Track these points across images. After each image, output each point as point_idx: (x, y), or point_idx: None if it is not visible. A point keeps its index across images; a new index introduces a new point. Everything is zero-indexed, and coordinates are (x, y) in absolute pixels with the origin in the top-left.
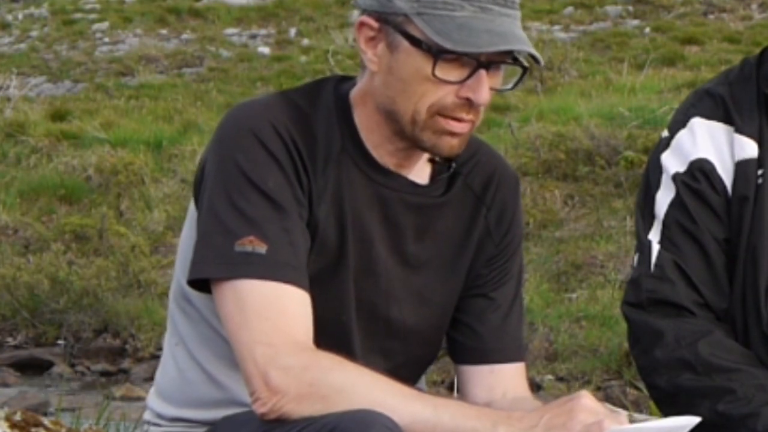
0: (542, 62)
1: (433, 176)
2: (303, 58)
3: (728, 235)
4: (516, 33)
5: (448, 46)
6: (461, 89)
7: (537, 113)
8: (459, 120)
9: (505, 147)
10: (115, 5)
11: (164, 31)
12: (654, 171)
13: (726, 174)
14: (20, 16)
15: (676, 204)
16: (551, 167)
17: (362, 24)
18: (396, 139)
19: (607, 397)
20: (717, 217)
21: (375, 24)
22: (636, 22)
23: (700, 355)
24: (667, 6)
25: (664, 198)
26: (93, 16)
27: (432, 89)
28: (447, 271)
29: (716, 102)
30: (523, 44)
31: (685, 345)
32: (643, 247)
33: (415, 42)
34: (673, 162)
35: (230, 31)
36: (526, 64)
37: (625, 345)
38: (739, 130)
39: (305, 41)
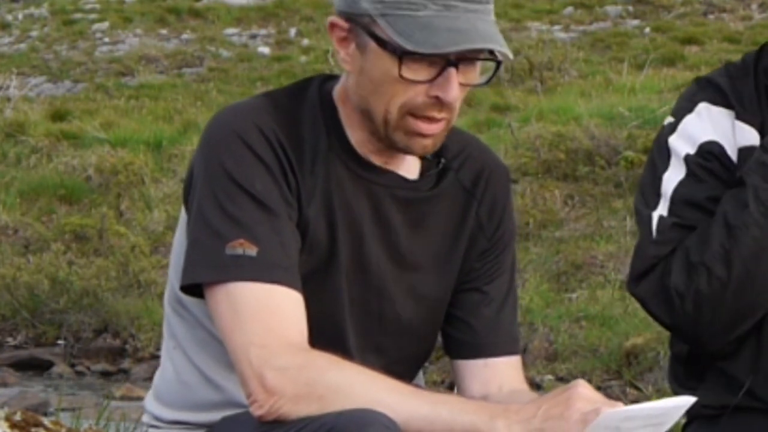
0: (511, 56)
1: (423, 171)
2: (303, 58)
3: None
4: (480, 29)
5: (409, 47)
6: (431, 88)
7: (537, 113)
8: (431, 119)
9: (505, 147)
10: (115, 5)
11: (164, 31)
12: (661, 153)
13: (734, 156)
14: (20, 16)
15: (685, 182)
16: (551, 167)
17: (333, 25)
18: (375, 138)
19: (607, 397)
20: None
21: (345, 25)
22: (636, 22)
23: (689, 249)
24: (667, 6)
25: (672, 177)
26: (93, 16)
27: (402, 89)
28: (440, 266)
29: (718, 89)
30: (486, 41)
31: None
32: (643, 219)
33: (381, 43)
34: (682, 144)
35: (230, 31)
36: (500, 57)
37: (625, 345)
38: (740, 117)
39: (305, 41)
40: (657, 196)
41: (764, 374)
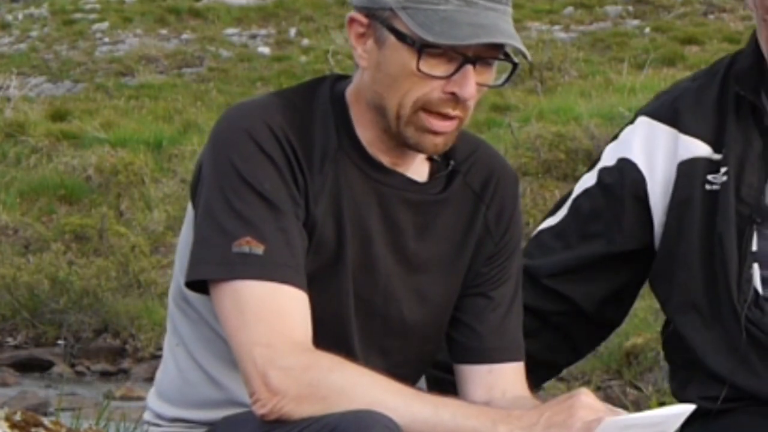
0: (530, 57)
1: (432, 174)
2: (303, 58)
3: (624, 237)
4: (501, 26)
5: (429, 38)
6: (447, 84)
7: (537, 113)
8: (445, 116)
9: (505, 147)
10: (115, 5)
11: (164, 31)
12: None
13: (656, 178)
14: (20, 16)
15: (588, 194)
16: (551, 167)
17: (352, 20)
18: (386, 137)
19: (607, 397)
20: (618, 217)
21: (364, 20)
22: (636, 22)
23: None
24: (667, 6)
25: (584, 182)
26: (93, 16)
27: (418, 84)
28: (447, 269)
29: (669, 101)
30: (507, 37)
31: None
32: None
33: (400, 36)
34: (608, 154)
35: (230, 31)
36: (516, 60)
37: (625, 345)
38: (685, 131)
39: (305, 41)
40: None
41: (745, 366)
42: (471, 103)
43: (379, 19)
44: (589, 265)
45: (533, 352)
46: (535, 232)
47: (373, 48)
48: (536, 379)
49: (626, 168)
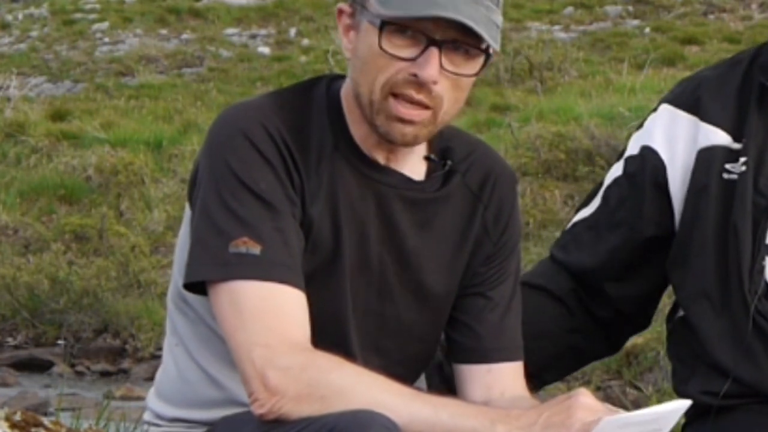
0: (496, 47)
1: (429, 173)
2: (303, 58)
3: (647, 224)
4: (459, 6)
5: (384, 12)
6: (412, 66)
7: (537, 113)
8: (409, 100)
9: (505, 147)
10: (115, 5)
11: (164, 31)
12: (625, 147)
13: (677, 165)
14: (20, 16)
15: (617, 184)
16: (551, 167)
17: (340, 11)
18: (372, 130)
19: (607, 397)
20: (639, 204)
21: (348, 9)
22: (636, 22)
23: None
24: (667, 6)
25: (612, 173)
26: (93, 16)
27: (385, 66)
28: (444, 268)
29: (691, 89)
30: (459, 15)
31: None
32: (573, 220)
33: (370, 18)
34: (633, 143)
35: (230, 31)
36: (488, 49)
37: (625, 345)
38: (706, 119)
39: (305, 41)
40: (600, 186)
41: (749, 360)
42: (438, 90)
43: (358, 4)
44: (621, 258)
45: (580, 345)
46: (569, 224)
47: (354, 37)
48: (565, 368)
49: (648, 155)
